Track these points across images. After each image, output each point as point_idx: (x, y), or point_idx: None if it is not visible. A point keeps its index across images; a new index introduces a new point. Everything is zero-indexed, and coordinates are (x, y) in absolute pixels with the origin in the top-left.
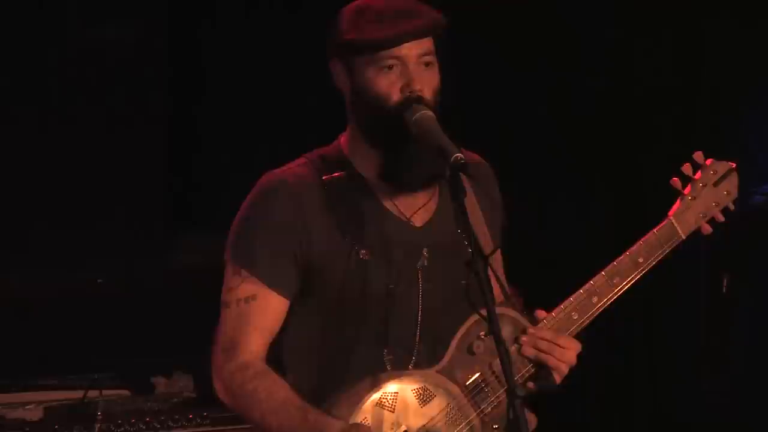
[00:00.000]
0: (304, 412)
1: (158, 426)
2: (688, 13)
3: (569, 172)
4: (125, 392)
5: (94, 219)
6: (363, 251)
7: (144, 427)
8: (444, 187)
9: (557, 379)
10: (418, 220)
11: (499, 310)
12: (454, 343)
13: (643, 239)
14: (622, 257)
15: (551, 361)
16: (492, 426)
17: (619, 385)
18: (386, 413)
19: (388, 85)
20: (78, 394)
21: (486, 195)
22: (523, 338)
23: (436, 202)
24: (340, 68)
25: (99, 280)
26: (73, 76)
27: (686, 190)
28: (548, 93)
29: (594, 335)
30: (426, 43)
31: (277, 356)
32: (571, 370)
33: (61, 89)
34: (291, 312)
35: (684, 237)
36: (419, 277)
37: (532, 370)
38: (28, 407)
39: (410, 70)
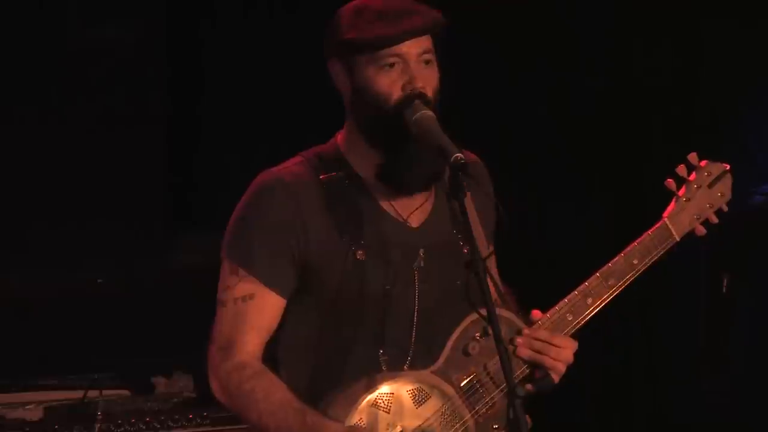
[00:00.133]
0: (303, 413)
1: (158, 426)
2: (688, 13)
3: (568, 172)
4: (125, 392)
5: (94, 219)
6: (360, 252)
7: (144, 427)
8: (440, 188)
9: (555, 378)
10: (414, 221)
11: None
12: (449, 344)
13: (637, 241)
14: (616, 258)
15: (547, 361)
16: (492, 426)
17: (619, 385)
18: (381, 414)
19: (389, 84)
20: (78, 394)
21: (480, 195)
22: (519, 339)
23: (432, 203)
24: (339, 68)
25: (99, 280)
26: (73, 76)
27: (681, 192)
28: (547, 93)
29: (594, 335)
30: (426, 42)
31: (271, 353)
32: (569, 368)
33: (61, 89)
34: (287, 310)
35: (678, 238)
36: (415, 277)
37: (527, 371)
38: (28, 407)
39: (411, 68)
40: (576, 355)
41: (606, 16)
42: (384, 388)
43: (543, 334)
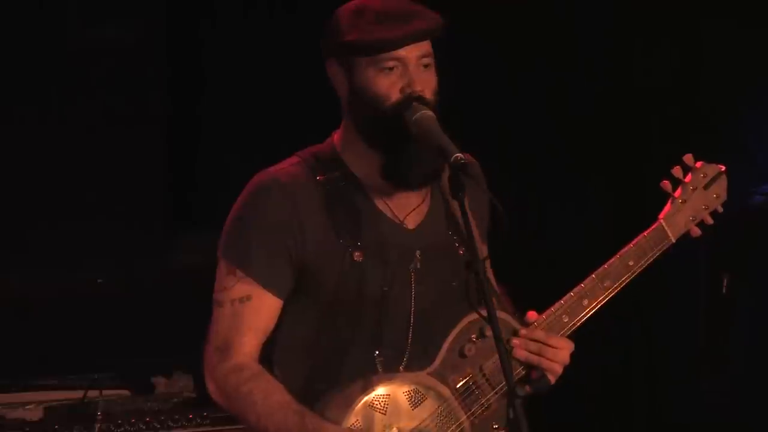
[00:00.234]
0: (301, 415)
1: (158, 426)
2: (687, 13)
3: (567, 172)
4: (125, 392)
5: (94, 219)
6: (357, 253)
7: (144, 427)
8: (435, 189)
9: (551, 379)
10: (411, 222)
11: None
12: (445, 346)
13: (633, 242)
14: (612, 260)
15: (544, 362)
16: (491, 425)
17: (618, 384)
18: (377, 415)
19: (389, 86)
20: (78, 394)
21: (475, 196)
22: (515, 341)
23: (428, 204)
24: (337, 69)
25: (99, 280)
26: (73, 76)
27: (676, 193)
28: (547, 93)
29: (593, 335)
30: (426, 45)
31: (267, 353)
32: (566, 369)
33: (61, 89)
34: (284, 311)
35: (674, 240)
36: (412, 279)
37: (523, 372)
38: (28, 407)
39: (410, 72)
40: (573, 355)
41: (605, 16)
42: (380, 390)
43: (539, 335)
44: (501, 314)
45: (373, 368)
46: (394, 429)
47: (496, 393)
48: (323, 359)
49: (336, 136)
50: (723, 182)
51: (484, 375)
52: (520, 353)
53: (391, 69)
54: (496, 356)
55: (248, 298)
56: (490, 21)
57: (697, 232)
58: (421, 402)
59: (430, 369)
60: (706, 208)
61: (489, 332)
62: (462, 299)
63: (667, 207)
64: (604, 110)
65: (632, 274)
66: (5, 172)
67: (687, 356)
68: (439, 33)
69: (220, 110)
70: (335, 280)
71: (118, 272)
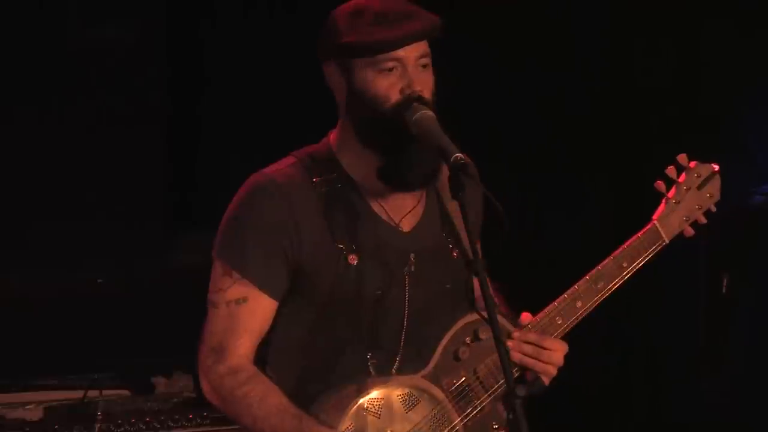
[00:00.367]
0: (298, 419)
1: (158, 426)
2: (687, 13)
3: (566, 172)
4: (125, 392)
5: (94, 219)
6: (352, 256)
7: (144, 427)
8: (431, 191)
9: (546, 381)
10: (406, 225)
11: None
12: (439, 349)
13: (627, 243)
14: (606, 261)
15: (538, 365)
16: (492, 425)
17: (618, 385)
18: (371, 418)
19: (388, 87)
20: (78, 394)
21: (471, 199)
22: (509, 343)
23: (423, 206)
24: (335, 70)
25: (99, 280)
26: (73, 76)
27: (670, 193)
28: (545, 94)
29: (593, 336)
30: (423, 45)
31: (261, 354)
32: (560, 371)
33: (61, 89)
34: (279, 312)
35: (667, 241)
36: (406, 282)
37: (517, 374)
38: (28, 407)
39: (409, 72)
40: (571, 356)
41: (604, 16)
42: (374, 393)
43: (533, 337)
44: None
45: (366, 370)
46: None
47: (489, 396)
48: (317, 360)
49: (332, 137)
50: (716, 182)
51: (477, 378)
52: (514, 355)
53: (390, 70)
54: (490, 359)
55: (244, 299)
56: (488, 21)
57: (690, 232)
58: (415, 405)
59: (424, 372)
60: (699, 208)
61: (483, 335)
62: (457, 302)
63: (661, 207)
64: (604, 110)
65: (626, 275)
66: (5, 171)
67: (687, 356)
68: (437, 33)
69: (220, 110)
70: (330, 282)
71: (118, 272)
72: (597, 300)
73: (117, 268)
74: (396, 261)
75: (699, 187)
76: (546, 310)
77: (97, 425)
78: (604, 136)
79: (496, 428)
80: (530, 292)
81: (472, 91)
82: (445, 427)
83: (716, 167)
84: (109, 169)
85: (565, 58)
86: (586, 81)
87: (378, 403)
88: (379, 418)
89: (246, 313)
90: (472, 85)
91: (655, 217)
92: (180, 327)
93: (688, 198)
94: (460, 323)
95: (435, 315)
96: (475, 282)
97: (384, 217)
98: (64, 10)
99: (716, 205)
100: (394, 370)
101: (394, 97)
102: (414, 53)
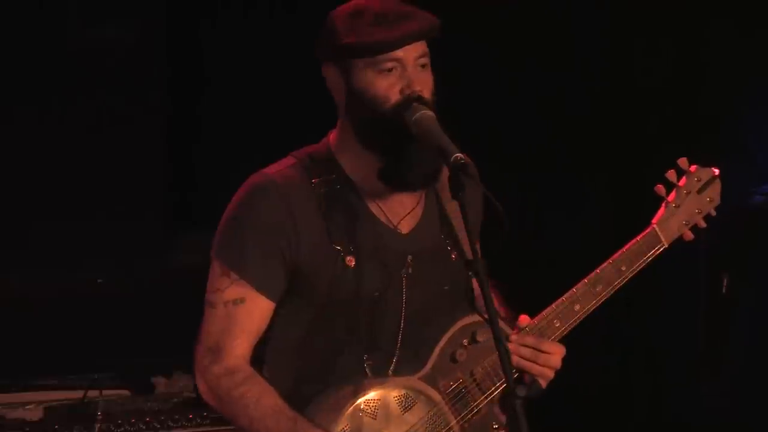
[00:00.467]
0: (294, 421)
1: (158, 426)
2: (687, 13)
3: (566, 172)
4: (125, 392)
5: (94, 219)
6: (349, 257)
7: (144, 427)
8: (430, 192)
9: (543, 384)
10: (404, 227)
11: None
12: (436, 351)
13: (626, 247)
14: (604, 265)
15: (535, 368)
16: (492, 426)
17: (618, 385)
18: (367, 420)
19: (388, 87)
20: (78, 394)
21: (471, 199)
22: (507, 345)
23: (422, 208)
24: (334, 71)
25: (99, 280)
26: (73, 76)
27: (670, 197)
28: (545, 94)
29: (593, 337)
30: (422, 45)
31: (258, 354)
32: (557, 374)
33: (61, 89)
34: (276, 312)
35: (667, 245)
36: (403, 284)
37: (515, 375)
38: (28, 407)
39: (409, 72)
40: (570, 357)
41: (604, 16)
42: (371, 394)
43: (530, 340)
44: None
45: (362, 372)
46: None
47: (486, 398)
48: (314, 361)
49: (332, 137)
50: (717, 186)
51: (474, 380)
52: (512, 358)
53: (389, 70)
54: (487, 361)
55: (242, 300)
56: (487, 21)
57: (690, 236)
58: (412, 406)
59: (420, 373)
60: (699, 212)
61: (481, 337)
62: (454, 304)
63: (661, 211)
64: (604, 110)
65: (625, 278)
66: (5, 171)
67: (687, 357)
68: (435, 33)
69: (220, 110)
70: (327, 283)
71: (118, 272)
72: (595, 303)
73: (117, 268)
74: (393, 263)
75: (699, 191)
76: (544, 312)
77: (97, 425)
78: (604, 136)
79: (496, 428)
80: (529, 292)
81: (472, 91)
82: (442, 429)
83: (717, 171)
84: (109, 169)
85: (565, 58)
86: (586, 81)
87: (374, 404)
88: (375, 419)
89: (243, 313)
90: (472, 85)
91: (654, 220)
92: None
93: (688, 202)
94: (458, 325)
95: (433, 317)
96: (475, 283)
97: (382, 218)
98: (64, 10)
99: (716, 209)
100: (390, 372)
101: (394, 97)
102: (413, 53)
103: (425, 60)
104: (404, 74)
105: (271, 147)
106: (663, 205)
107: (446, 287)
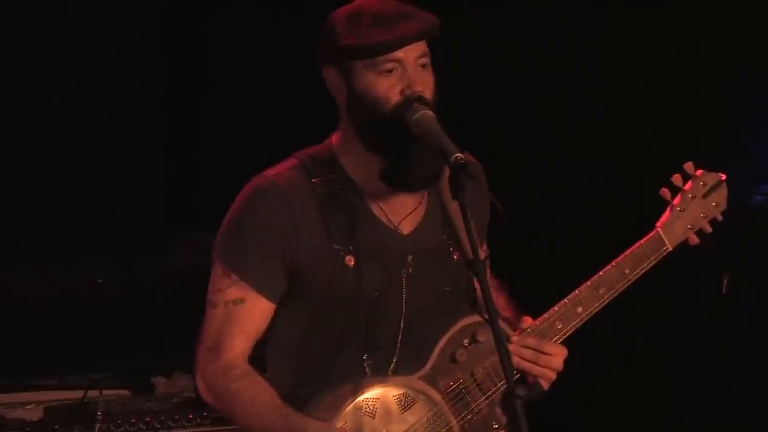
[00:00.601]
0: (288, 416)
1: (158, 426)
2: (688, 13)
3: (566, 172)
4: (125, 392)
5: (94, 219)
6: (349, 257)
7: (144, 427)
8: (432, 193)
9: (544, 385)
10: (405, 227)
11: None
12: (437, 350)
13: (630, 250)
14: (608, 268)
15: (536, 369)
16: (492, 426)
17: (619, 386)
18: (366, 419)
19: (388, 88)
20: (78, 394)
21: (476, 199)
22: (508, 346)
23: (425, 208)
24: (334, 73)
25: (99, 280)
26: (73, 76)
27: (675, 201)
28: (546, 93)
29: (593, 337)
30: (422, 45)
31: (259, 354)
32: (559, 375)
33: (61, 89)
34: (277, 312)
35: (671, 248)
36: (404, 284)
37: (517, 376)
38: (28, 407)
39: (409, 73)
40: (571, 357)
41: (604, 16)
42: (370, 393)
43: (532, 341)
44: None
45: (362, 372)
46: None
47: (486, 398)
48: (314, 361)
49: (334, 139)
50: (723, 191)
51: (475, 380)
52: (513, 359)
53: (390, 71)
54: (488, 362)
55: (242, 300)
56: (487, 21)
57: (695, 240)
58: (411, 406)
59: (420, 373)
60: (704, 217)
61: (481, 338)
62: (456, 304)
63: (666, 215)
64: (604, 110)
65: (628, 281)
66: (5, 171)
67: (687, 357)
68: (435, 33)
69: (220, 110)
70: (327, 283)
71: (118, 272)
72: (598, 306)
73: (117, 268)
74: (394, 263)
75: (704, 196)
76: (546, 314)
77: (97, 425)
78: (604, 136)
79: (496, 428)
80: (529, 292)
81: (472, 91)
82: (442, 429)
83: (723, 176)
84: (109, 169)
85: (566, 58)
86: (586, 81)
87: (373, 403)
88: (374, 418)
89: (243, 313)
90: (472, 85)
91: (659, 224)
92: (180, 327)
93: (693, 206)
94: (459, 325)
95: (434, 317)
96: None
97: (383, 218)
98: (64, 10)
99: (722, 214)
100: (390, 372)
101: (395, 98)
102: (413, 54)
103: (425, 60)
104: (405, 75)
105: (271, 147)
106: (668, 208)
107: (448, 288)
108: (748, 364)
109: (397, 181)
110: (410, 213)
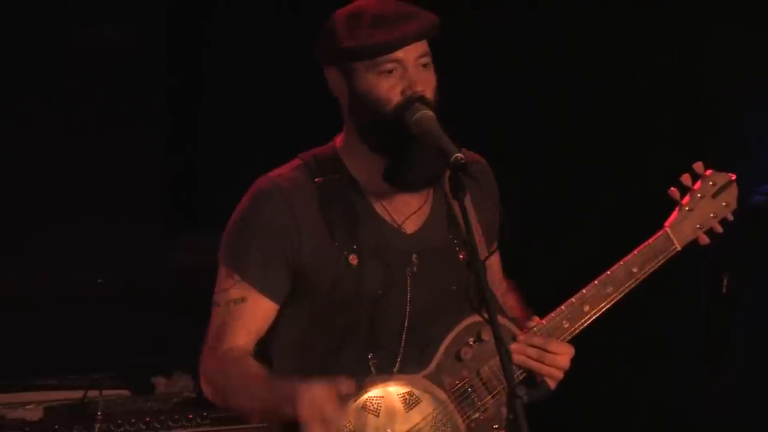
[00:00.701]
0: (273, 382)
1: (158, 426)
2: (690, 13)
3: (567, 172)
4: (125, 392)
5: (94, 219)
6: (352, 256)
7: (144, 427)
8: (438, 192)
9: (551, 384)
10: (409, 226)
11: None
12: (441, 349)
13: (637, 249)
14: (615, 267)
15: (543, 368)
16: (492, 426)
17: (619, 386)
18: (370, 417)
19: (389, 89)
20: (78, 394)
21: (483, 196)
22: (513, 346)
23: (430, 207)
24: (336, 74)
25: (99, 280)
26: (73, 76)
27: (684, 201)
28: (547, 93)
29: (593, 337)
30: (423, 45)
31: (264, 354)
32: (566, 374)
33: (61, 89)
34: (280, 312)
35: (680, 248)
36: (408, 283)
37: (521, 377)
38: (28, 407)
39: (410, 73)
40: (572, 360)
41: (606, 16)
42: (374, 391)
43: (538, 340)
44: (502, 320)
45: (367, 371)
46: (388, 431)
47: (493, 397)
48: (318, 361)
49: (338, 140)
50: (733, 191)
51: (480, 379)
52: (518, 358)
53: (390, 72)
54: (494, 360)
55: (243, 299)
56: (488, 20)
57: (705, 240)
58: (416, 405)
59: (425, 372)
60: (714, 216)
61: (486, 336)
62: (461, 303)
63: (674, 214)
64: (606, 111)
65: (636, 281)
66: (5, 172)
67: (687, 357)
68: (435, 32)
69: (220, 110)
70: (330, 282)
71: (118, 272)
72: (605, 305)
73: (117, 268)
74: (398, 261)
75: (714, 195)
76: (553, 313)
77: (97, 425)
78: (605, 136)
79: (496, 428)
80: (529, 292)
81: (473, 91)
82: (448, 428)
83: (733, 176)
84: (109, 168)
85: (568, 58)
86: (588, 81)
87: (377, 402)
88: (378, 416)
89: (245, 311)
90: (473, 85)
91: (667, 223)
92: (180, 327)
93: (701, 206)
94: (464, 324)
95: (439, 316)
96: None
97: (386, 218)
98: (64, 10)
99: (733, 213)
100: (395, 371)
101: (396, 98)
102: (413, 53)
103: (426, 59)
104: (405, 75)
105: (271, 147)
106: (677, 208)
107: (453, 287)
108: (748, 364)
109: (398, 181)
110: (414, 212)
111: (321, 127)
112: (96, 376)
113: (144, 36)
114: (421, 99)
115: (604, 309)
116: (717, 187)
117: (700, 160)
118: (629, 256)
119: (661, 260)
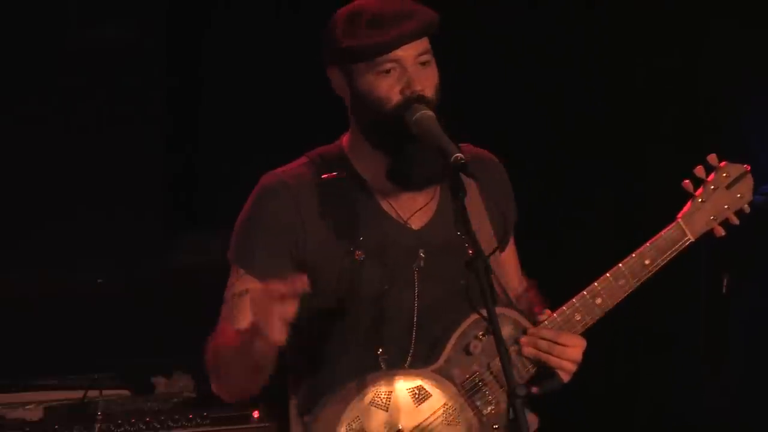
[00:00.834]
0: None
1: (158, 426)
2: (690, 12)
3: (567, 171)
4: (125, 392)
5: (94, 219)
6: (358, 252)
7: (144, 427)
8: (445, 188)
9: (564, 378)
10: (416, 222)
11: (499, 310)
12: (450, 343)
13: (650, 241)
14: (627, 259)
15: (553, 361)
16: (492, 426)
17: (619, 386)
18: (379, 412)
19: (388, 89)
20: (78, 394)
21: (493, 193)
22: (523, 339)
23: (437, 203)
24: (338, 75)
25: (99, 280)
26: (73, 76)
27: (698, 192)
28: (548, 93)
29: (593, 337)
30: (422, 43)
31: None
32: (579, 366)
33: (61, 89)
34: None
35: (693, 239)
36: (415, 278)
37: (533, 371)
38: (28, 407)
39: (409, 72)
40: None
41: (606, 15)
42: (382, 386)
43: (548, 333)
44: (511, 313)
45: (377, 366)
46: (398, 426)
47: (504, 391)
48: (327, 357)
49: (345, 138)
50: (748, 182)
51: (491, 372)
52: (528, 350)
53: (388, 71)
54: None
55: (247, 292)
56: (487, 18)
57: (720, 231)
58: (425, 399)
59: (434, 366)
60: (728, 208)
61: None
62: (470, 298)
63: (687, 206)
64: (606, 110)
65: (648, 273)
66: (5, 172)
67: (687, 357)
68: (434, 29)
69: (220, 110)
70: (335, 278)
71: (118, 272)
72: (618, 297)
73: (117, 268)
74: (404, 257)
75: (728, 187)
76: (564, 306)
77: (97, 425)
78: (605, 136)
79: (496, 428)
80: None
81: (472, 88)
82: (459, 422)
83: (748, 167)
84: (109, 169)
85: (567, 57)
86: (588, 80)
87: (386, 396)
88: (387, 411)
89: (247, 303)
90: (471, 82)
91: (679, 215)
92: (180, 327)
93: (715, 197)
94: (472, 318)
95: (448, 311)
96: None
97: (392, 214)
98: (64, 10)
99: (750, 205)
100: (406, 366)
101: (395, 98)
102: (412, 52)
103: (426, 57)
104: (404, 74)
105: (271, 147)
106: (690, 200)
107: (462, 282)
108: (748, 364)
109: (400, 179)
110: (420, 209)
111: (321, 127)
112: (96, 376)
113: (144, 36)
114: (420, 98)
115: (617, 301)
116: (731, 178)
117: (699, 161)
118: (642, 248)
119: (674, 252)
